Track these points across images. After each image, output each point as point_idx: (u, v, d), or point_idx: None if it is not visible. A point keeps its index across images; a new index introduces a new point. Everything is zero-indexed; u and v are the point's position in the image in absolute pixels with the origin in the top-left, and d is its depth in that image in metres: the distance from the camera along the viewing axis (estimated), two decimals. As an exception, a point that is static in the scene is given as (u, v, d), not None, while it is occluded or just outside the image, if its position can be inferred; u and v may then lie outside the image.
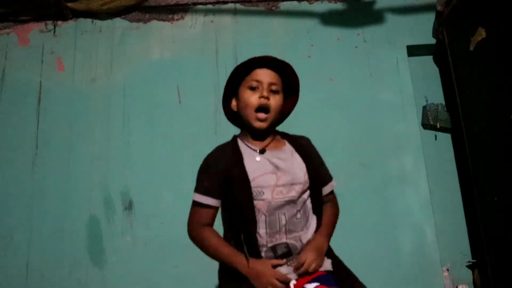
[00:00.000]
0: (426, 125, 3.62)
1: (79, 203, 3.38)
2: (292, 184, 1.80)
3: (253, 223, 1.76)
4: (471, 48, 3.05)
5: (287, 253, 1.76)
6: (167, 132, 3.50)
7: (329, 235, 1.89)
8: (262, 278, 1.68)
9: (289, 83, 1.97)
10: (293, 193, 1.79)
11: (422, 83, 3.68)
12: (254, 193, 1.77)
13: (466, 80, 3.23)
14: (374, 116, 3.49)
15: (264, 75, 1.88)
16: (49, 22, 3.80)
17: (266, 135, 1.92)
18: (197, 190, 1.94)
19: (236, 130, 3.50)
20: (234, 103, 1.98)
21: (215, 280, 3.24)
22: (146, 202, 3.37)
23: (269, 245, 1.75)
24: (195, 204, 1.93)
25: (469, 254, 3.39)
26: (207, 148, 3.39)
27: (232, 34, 3.73)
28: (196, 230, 1.92)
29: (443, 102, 3.67)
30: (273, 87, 1.88)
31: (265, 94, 1.84)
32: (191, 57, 3.67)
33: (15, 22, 3.80)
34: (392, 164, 3.40)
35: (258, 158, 1.86)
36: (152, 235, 3.31)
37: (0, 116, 3.58)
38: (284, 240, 1.76)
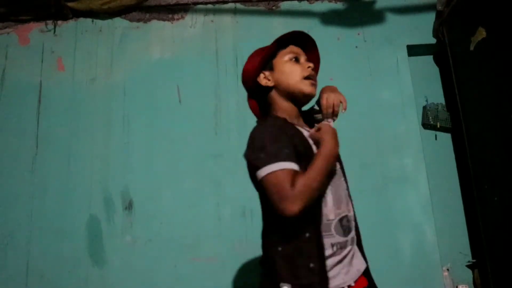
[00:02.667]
0: (426, 125, 3.62)
1: (79, 202, 3.38)
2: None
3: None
4: (471, 48, 3.05)
5: (348, 227, 1.74)
6: (167, 132, 3.50)
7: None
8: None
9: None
10: (338, 165, 1.85)
11: (422, 82, 3.68)
12: None
13: (466, 79, 3.22)
14: (374, 116, 3.48)
15: (300, 51, 1.92)
16: (49, 22, 3.80)
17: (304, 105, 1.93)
18: (280, 158, 1.58)
19: (238, 127, 3.49)
20: (263, 77, 1.91)
21: (214, 280, 3.26)
22: (146, 202, 3.38)
23: (337, 217, 1.70)
24: (279, 173, 1.55)
25: (469, 254, 3.40)
26: (207, 148, 3.43)
27: (232, 34, 3.73)
28: (294, 193, 1.51)
29: (443, 102, 3.67)
30: (313, 60, 1.94)
31: (312, 65, 1.86)
32: (191, 56, 3.67)
33: (15, 21, 3.79)
34: (392, 164, 3.40)
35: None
36: (152, 235, 3.31)
37: (0, 116, 3.58)
38: (345, 213, 1.75)
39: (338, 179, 1.77)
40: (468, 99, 3.20)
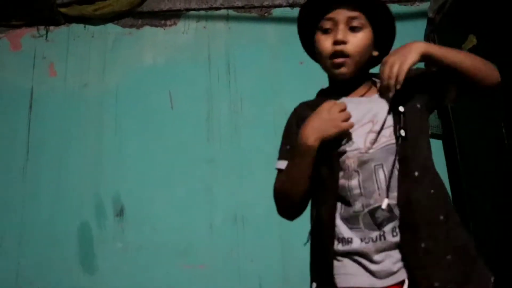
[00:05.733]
0: (417, 131, 3.62)
1: (70, 209, 3.36)
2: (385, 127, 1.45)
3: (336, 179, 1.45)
4: (462, 55, 3.07)
5: (389, 218, 1.38)
6: (159, 138, 3.49)
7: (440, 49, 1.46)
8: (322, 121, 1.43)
9: (379, 17, 1.53)
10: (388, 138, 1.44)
11: (414, 89, 3.69)
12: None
13: (458, 87, 3.24)
14: (366, 123, 3.49)
15: (339, 12, 1.48)
16: (42, 27, 3.79)
17: (355, 85, 1.56)
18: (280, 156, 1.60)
19: (230, 133, 3.49)
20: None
21: (206, 287, 3.25)
22: (137, 208, 3.36)
23: (366, 210, 1.40)
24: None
25: (461, 260, 3.39)
26: (199, 154, 3.42)
27: (225, 40, 3.73)
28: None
29: (435, 109, 3.67)
30: (354, 23, 1.48)
31: (339, 37, 1.46)
32: (184, 63, 3.67)
33: (7, 27, 3.78)
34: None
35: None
36: (143, 242, 3.29)
37: (-9, 121, 3.57)
38: (385, 201, 1.39)
39: (372, 163, 1.43)
40: (458, 106, 3.22)
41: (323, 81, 3.69)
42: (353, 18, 1.48)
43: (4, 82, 3.66)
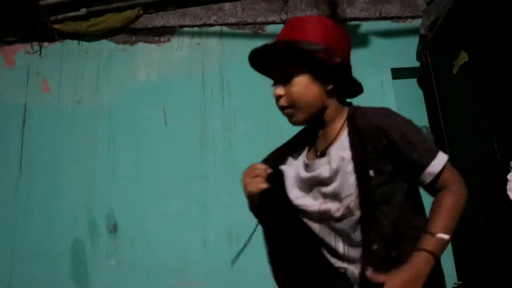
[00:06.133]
0: (410, 147, 3.63)
1: (63, 225, 3.34)
2: (344, 197, 1.41)
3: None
4: (454, 71, 3.10)
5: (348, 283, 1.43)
6: (152, 154, 3.49)
7: (440, 241, 1.41)
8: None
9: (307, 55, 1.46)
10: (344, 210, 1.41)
11: (406, 105, 3.70)
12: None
13: (450, 102, 3.26)
14: (359, 138, 3.50)
15: (273, 69, 1.56)
16: (35, 43, 3.79)
17: (322, 125, 1.53)
18: None
19: (223, 149, 3.48)
20: None
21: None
22: (131, 225, 3.34)
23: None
24: None
25: (455, 276, 3.39)
26: (193, 171, 3.41)
27: (218, 57, 3.75)
28: None
29: (427, 124, 3.70)
30: (285, 74, 1.49)
31: (275, 94, 1.50)
32: (177, 79, 3.68)
33: (0, 43, 3.78)
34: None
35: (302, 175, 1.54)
36: (137, 258, 3.27)
37: (-16, 137, 3.55)
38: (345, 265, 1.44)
39: (341, 231, 1.44)
40: (451, 121, 3.24)
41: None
42: (282, 69, 1.50)
43: (-3, 98, 3.65)
